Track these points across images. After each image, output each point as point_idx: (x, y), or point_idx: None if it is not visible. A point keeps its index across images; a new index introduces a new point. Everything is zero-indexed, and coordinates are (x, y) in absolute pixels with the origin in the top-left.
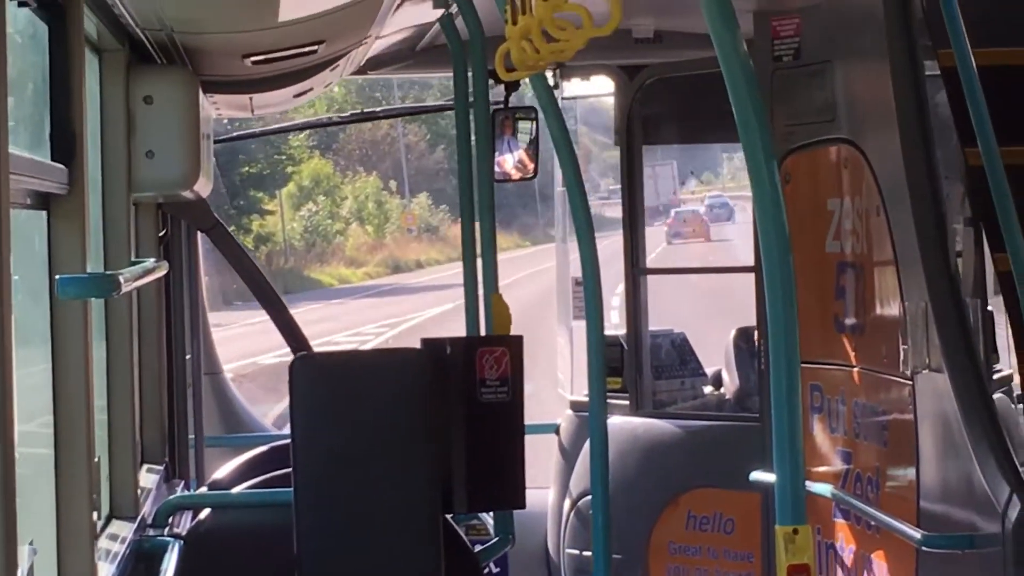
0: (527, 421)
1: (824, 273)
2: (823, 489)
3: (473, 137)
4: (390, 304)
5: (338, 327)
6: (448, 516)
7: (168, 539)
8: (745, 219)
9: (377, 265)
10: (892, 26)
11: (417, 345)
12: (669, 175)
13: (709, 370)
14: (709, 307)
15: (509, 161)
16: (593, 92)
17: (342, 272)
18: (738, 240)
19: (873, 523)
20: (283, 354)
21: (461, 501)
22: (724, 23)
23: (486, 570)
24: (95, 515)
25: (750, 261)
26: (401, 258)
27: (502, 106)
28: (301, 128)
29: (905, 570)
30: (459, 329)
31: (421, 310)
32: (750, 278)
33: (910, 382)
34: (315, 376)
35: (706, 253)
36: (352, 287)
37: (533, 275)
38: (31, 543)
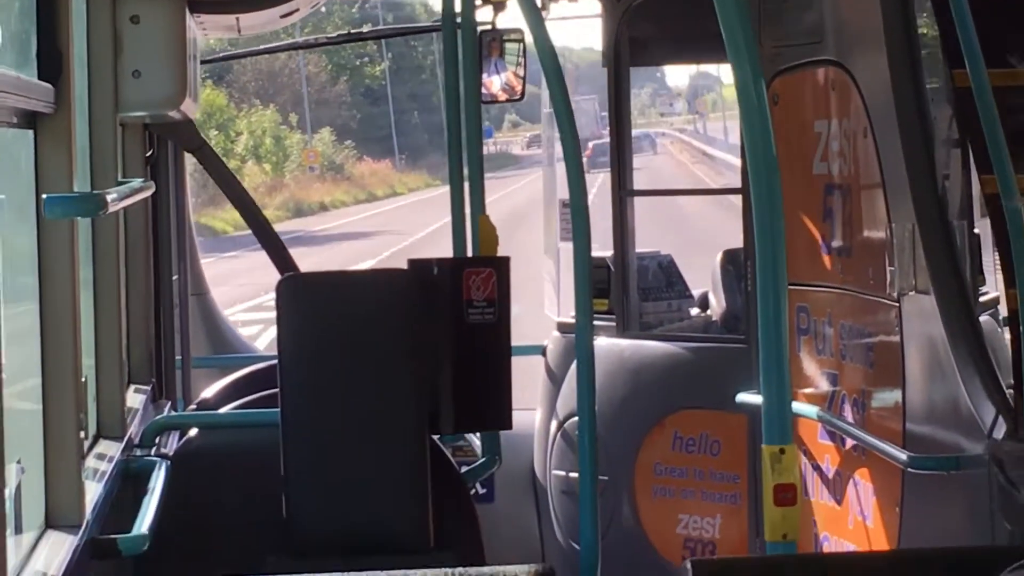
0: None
1: (811, 195)
2: (809, 410)
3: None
4: (296, 257)
5: (234, 296)
6: (435, 437)
7: (155, 459)
8: (664, 151)
9: (277, 208)
10: None
11: None
12: (592, 109)
13: (696, 292)
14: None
15: (496, 83)
16: (580, 14)
17: (237, 217)
18: (647, 170)
19: (859, 445)
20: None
21: (448, 422)
22: None
23: (473, 491)
24: (82, 434)
25: (662, 186)
26: (304, 200)
27: (490, 27)
28: (289, 48)
29: (891, 491)
30: None
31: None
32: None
33: (896, 304)
34: (302, 297)
35: None
36: (249, 235)
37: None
38: (19, 462)
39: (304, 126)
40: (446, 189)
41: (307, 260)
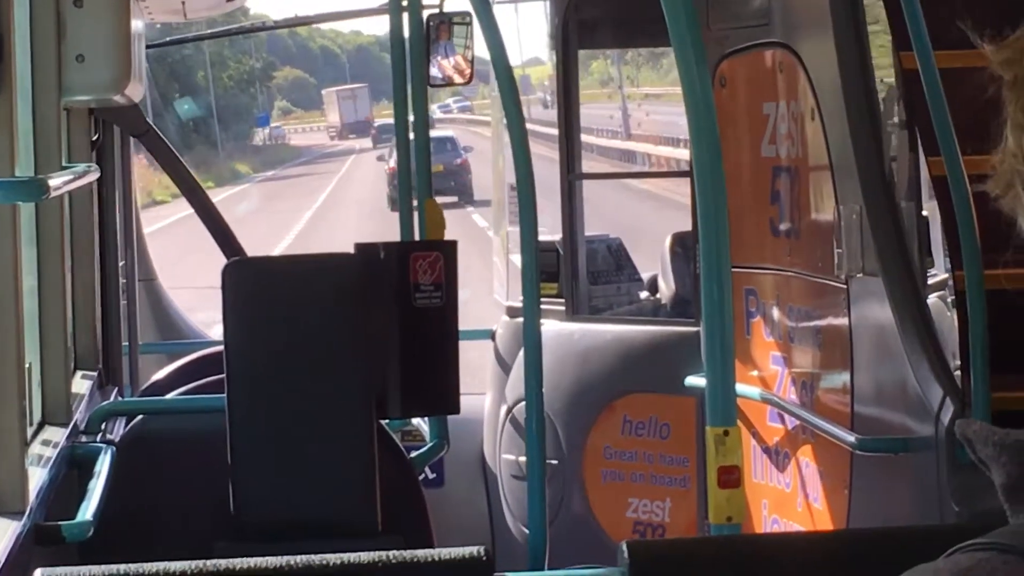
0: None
1: (759, 177)
2: (755, 392)
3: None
4: None
5: None
6: (382, 421)
7: (100, 445)
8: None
9: None
10: None
11: None
12: (365, 95)
13: (645, 275)
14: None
15: (446, 67)
16: None
17: None
18: None
19: (808, 427)
20: None
21: (395, 406)
22: None
23: (423, 476)
24: (26, 421)
25: None
26: None
27: (436, 11)
28: (235, 33)
29: (840, 473)
30: None
31: None
32: None
33: (844, 286)
34: (248, 281)
35: None
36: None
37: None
38: None
39: None
40: (225, 194)
41: None
